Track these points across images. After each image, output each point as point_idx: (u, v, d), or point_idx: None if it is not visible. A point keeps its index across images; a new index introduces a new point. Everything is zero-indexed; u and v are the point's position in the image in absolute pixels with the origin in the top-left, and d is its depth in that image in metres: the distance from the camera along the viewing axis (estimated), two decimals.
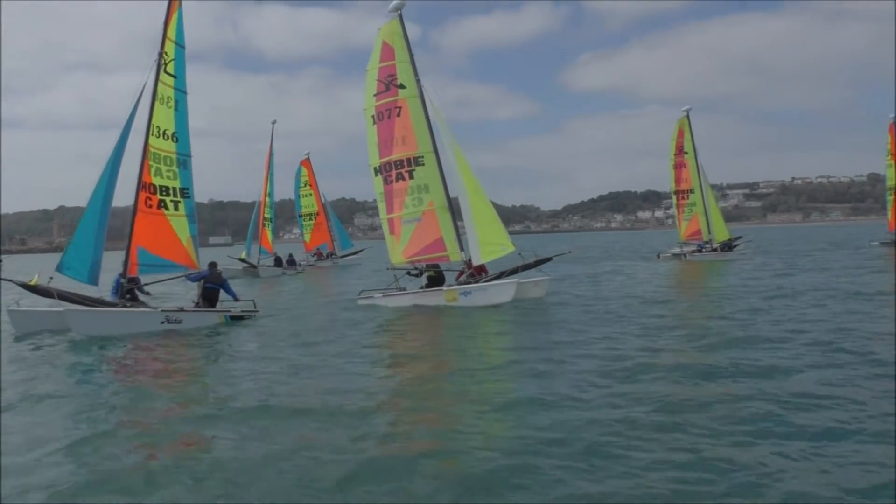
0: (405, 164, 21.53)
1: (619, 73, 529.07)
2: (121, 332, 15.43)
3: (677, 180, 46.16)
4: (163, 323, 16.24)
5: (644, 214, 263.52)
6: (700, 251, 43.97)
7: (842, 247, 52.12)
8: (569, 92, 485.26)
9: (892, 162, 47.50)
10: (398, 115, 21.55)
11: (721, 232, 45.63)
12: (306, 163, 51.90)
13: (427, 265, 21.78)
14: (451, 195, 21.60)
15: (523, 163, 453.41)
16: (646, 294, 22.24)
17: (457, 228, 21.66)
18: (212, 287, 17.83)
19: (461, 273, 21.62)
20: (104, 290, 17.50)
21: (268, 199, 44.12)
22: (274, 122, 44.37)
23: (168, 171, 17.28)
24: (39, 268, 17.34)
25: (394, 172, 21.61)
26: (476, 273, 21.22)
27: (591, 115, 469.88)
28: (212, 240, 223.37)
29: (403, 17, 21.94)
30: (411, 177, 21.49)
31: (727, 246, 44.96)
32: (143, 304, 17.40)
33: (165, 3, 17.35)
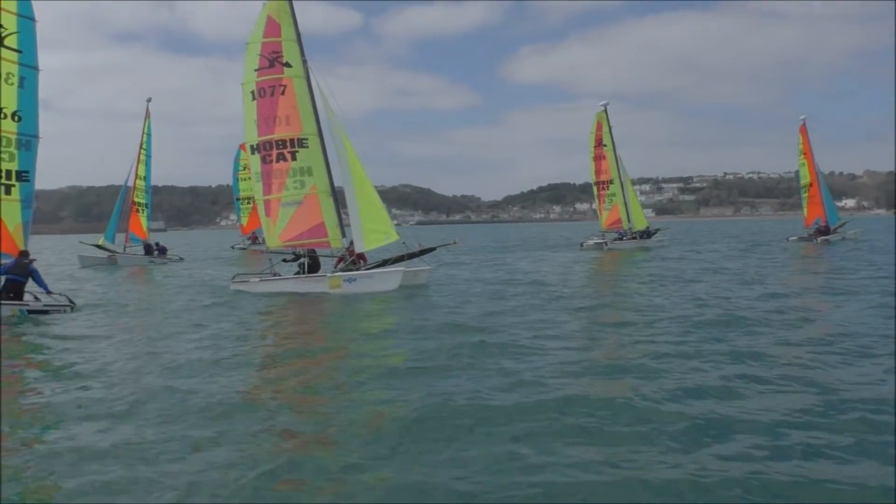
0: (288, 144, 20.66)
1: (558, 67, 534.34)
2: None
3: (597, 172, 47.66)
4: None
5: (582, 206, 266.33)
6: (621, 239, 45.78)
7: (753, 242, 53.39)
8: (509, 84, 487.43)
9: (805, 161, 48.90)
10: (282, 93, 20.65)
11: (640, 221, 48.01)
12: (245, 147, 50.14)
13: (303, 250, 21.00)
14: (336, 181, 21.01)
15: (464, 153, 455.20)
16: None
17: (339, 214, 20.99)
18: (13, 279, 15.91)
19: (340, 259, 20.95)
20: None
21: (142, 182, 39.99)
22: (149, 100, 40.39)
23: (4, 152, 15.92)
24: None
25: (274, 152, 20.67)
26: (356, 261, 20.57)
27: (531, 108, 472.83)
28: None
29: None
30: (294, 158, 20.64)
31: (646, 234, 47.35)
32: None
33: None
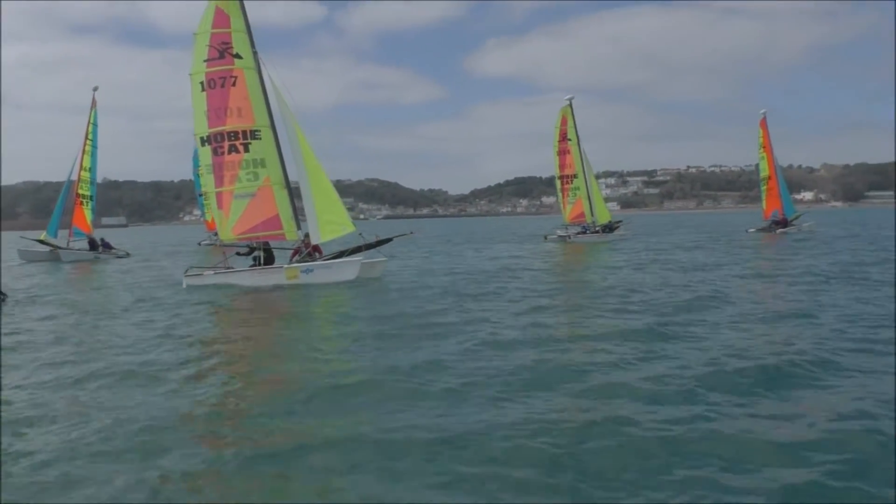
0: (240, 136, 20.24)
1: (523, 61, 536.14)
2: None
3: (561, 166, 47.87)
4: None
5: (549, 199, 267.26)
6: (584, 233, 45.96)
7: (711, 233, 54.26)
8: (475, 77, 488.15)
9: (765, 154, 49.75)
10: (233, 84, 20.20)
11: (603, 215, 48.39)
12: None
13: (257, 243, 20.70)
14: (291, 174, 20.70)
15: (431, 147, 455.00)
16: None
17: (294, 206, 20.68)
18: None
19: (296, 252, 20.73)
20: None
21: (87, 174, 38.29)
22: (95, 89, 38.83)
23: None
24: None
25: (226, 144, 20.23)
26: (311, 253, 20.33)
27: (496, 102, 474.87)
28: (104, 220, 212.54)
29: None
30: (246, 150, 20.24)
31: (608, 228, 47.62)
32: None
33: None
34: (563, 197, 48.05)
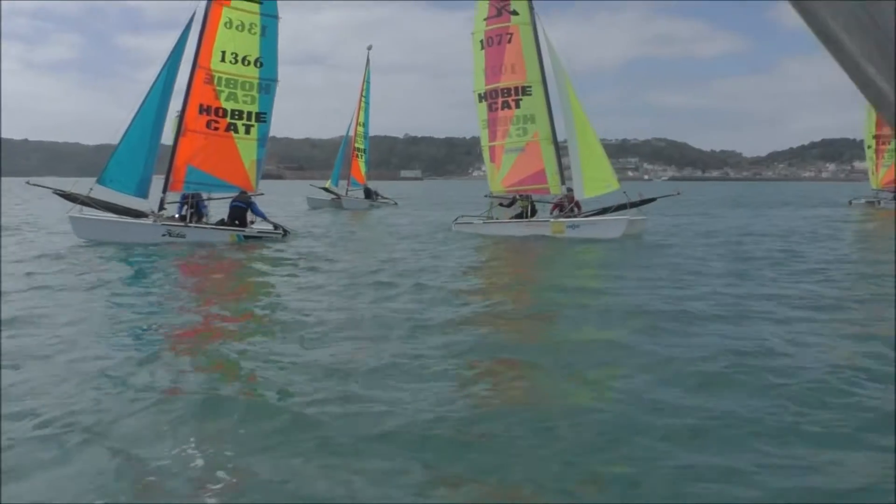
0: (513, 92, 21.12)
1: None
2: (119, 239, 16.40)
3: (878, 124, 41.88)
4: (164, 235, 16.86)
5: (861, 164, 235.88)
6: None
7: None
8: (783, 28, 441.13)
9: None
10: (509, 41, 21.06)
11: None
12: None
13: (520, 195, 21.50)
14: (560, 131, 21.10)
15: (726, 105, 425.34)
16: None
17: (560, 162, 21.14)
18: (237, 205, 18.19)
19: (555, 206, 21.21)
20: (154, 202, 18.01)
21: (362, 128, 41.03)
22: (370, 48, 41.39)
23: (246, 95, 18.06)
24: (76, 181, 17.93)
25: (500, 100, 21.26)
26: (573, 208, 20.71)
27: (808, 56, 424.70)
28: (403, 173, 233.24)
29: None
30: (518, 106, 21.08)
31: None
32: (214, 221, 18.33)
33: None
34: (878, 158, 43.12)
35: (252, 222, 18.46)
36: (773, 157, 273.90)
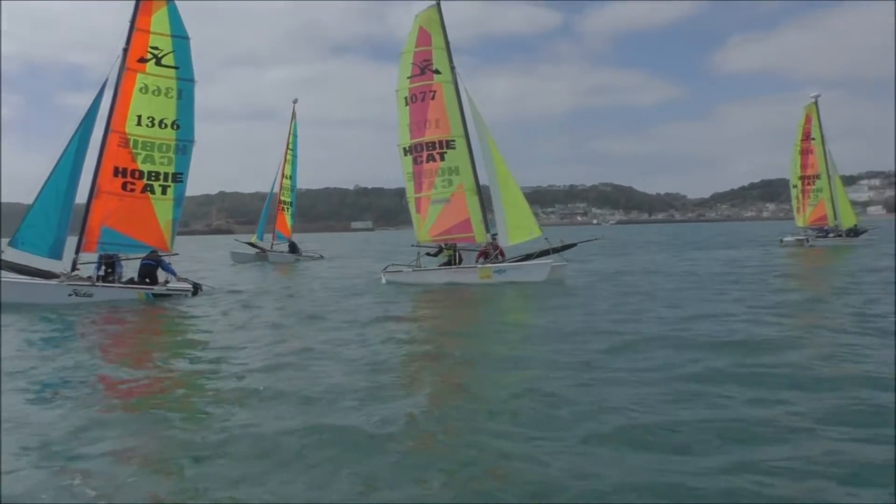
0: (437, 146, 22.07)
1: (771, 55, 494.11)
2: (25, 300, 16.21)
3: (803, 166, 46.31)
4: (70, 295, 16.86)
5: None
6: (826, 236, 44.06)
7: None
8: (717, 76, 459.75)
9: None
10: (433, 98, 22.08)
11: (848, 218, 45.74)
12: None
13: (446, 244, 22.27)
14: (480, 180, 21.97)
15: (668, 149, 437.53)
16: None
17: (484, 211, 22.02)
18: (147, 263, 18.44)
19: (481, 254, 21.98)
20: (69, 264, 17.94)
21: (288, 181, 40.67)
22: (295, 101, 41.40)
23: (163, 157, 18.43)
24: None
25: (425, 154, 22.16)
26: (497, 255, 21.56)
27: (742, 100, 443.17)
28: (353, 225, 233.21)
29: (441, 6, 22.38)
30: (442, 159, 22.01)
31: (853, 232, 44.80)
32: (125, 280, 18.30)
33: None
34: (804, 199, 46.20)
35: (166, 281, 18.62)
36: (716, 199, 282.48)
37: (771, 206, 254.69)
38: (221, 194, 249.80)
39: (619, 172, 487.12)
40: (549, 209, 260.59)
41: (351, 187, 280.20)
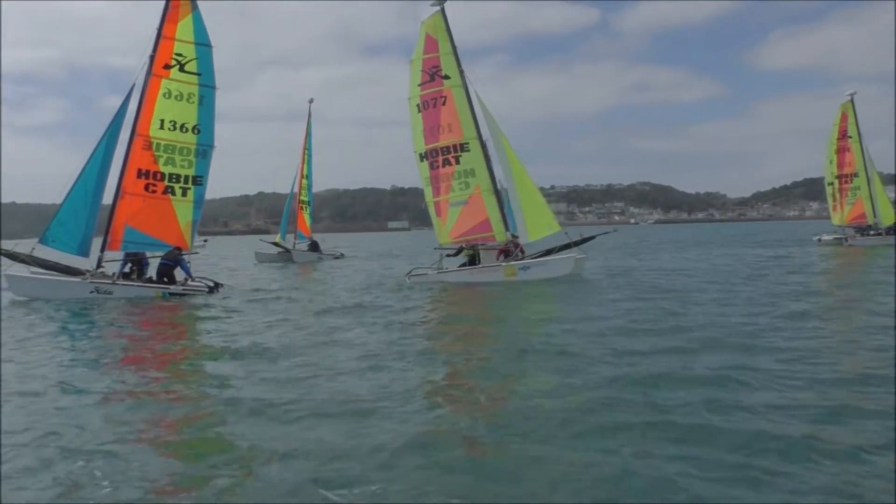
0: (452, 150, 22.42)
1: (814, 50, 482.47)
2: (51, 296, 17.53)
3: (840, 164, 46.25)
4: (92, 292, 17.85)
5: None
6: (866, 234, 43.57)
7: None
8: (758, 72, 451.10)
9: None
10: (444, 103, 22.44)
11: (888, 216, 44.79)
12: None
13: (465, 245, 22.65)
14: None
15: (709, 148, 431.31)
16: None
17: (502, 210, 22.34)
18: (165, 263, 19.07)
19: (501, 252, 22.29)
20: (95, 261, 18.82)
21: (305, 181, 40.84)
22: (311, 101, 41.29)
23: (183, 160, 19.14)
24: (35, 246, 18.80)
25: (440, 158, 22.52)
26: (517, 252, 21.85)
27: (784, 96, 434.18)
28: (391, 224, 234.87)
29: (445, 10, 22.66)
30: (458, 162, 22.35)
31: (894, 230, 43.03)
32: (145, 278, 19.11)
33: (167, 8, 18.92)
34: (842, 197, 46.06)
35: (186, 280, 19.29)
36: (757, 198, 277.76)
37: (814, 205, 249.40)
38: (260, 195, 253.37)
39: (658, 171, 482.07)
40: (587, 208, 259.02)
41: (388, 187, 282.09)
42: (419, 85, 22.75)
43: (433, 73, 22.49)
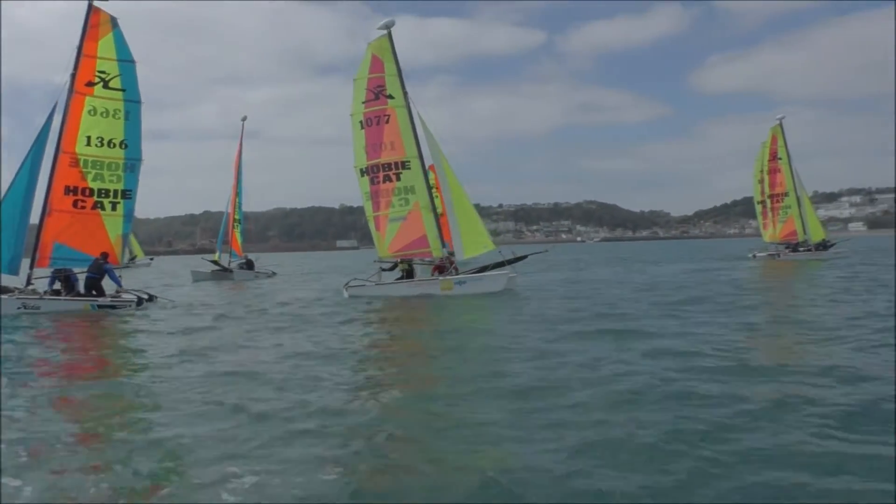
0: (393, 167, 23.11)
1: (752, 75, 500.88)
2: None
3: (771, 184, 48.63)
4: (19, 308, 17.79)
5: None
6: (796, 250, 46.01)
7: None
8: (700, 95, 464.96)
9: None
10: (387, 121, 23.12)
11: (817, 233, 48.28)
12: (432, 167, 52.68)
13: (401, 259, 23.43)
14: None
15: (653, 167, 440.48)
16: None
17: (439, 228, 23.00)
18: (91, 276, 19.09)
19: (436, 268, 22.97)
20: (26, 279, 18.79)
21: (237, 199, 41.36)
22: (244, 119, 42.09)
23: (112, 175, 19.38)
24: None
25: (381, 174, 23.15)
26: (452, 269, 22.60)
27: (724, 118, 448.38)
28: (339, 243, 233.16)
29: (392, 35, 23.35)
30: (398, 179, 23.02)
31: (822, 246, 47.20)
32: (74, 293, 18.98)
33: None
34: (773, 215, 48.37)
35: (116, 293, 19.42)
36: (700, 216, 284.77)
37: (753, 223, 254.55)
38: (206, 213, 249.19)
39: (604, 190, 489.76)
40: (534, 227, 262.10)
41: (336, 206, 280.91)
42: (363, 102, 23.34)
43: (378, 92, 23.11)
